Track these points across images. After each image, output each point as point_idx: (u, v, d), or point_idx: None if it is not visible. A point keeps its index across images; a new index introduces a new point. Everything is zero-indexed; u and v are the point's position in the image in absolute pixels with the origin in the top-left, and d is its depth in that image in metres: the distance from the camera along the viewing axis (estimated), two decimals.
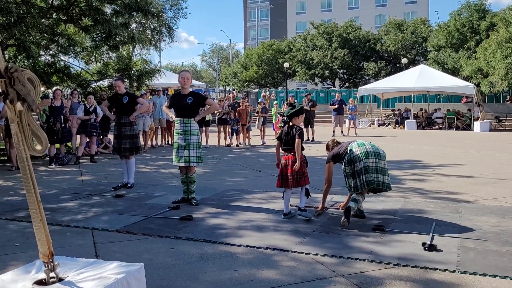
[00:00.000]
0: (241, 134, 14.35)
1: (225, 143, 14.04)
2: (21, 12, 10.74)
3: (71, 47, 13.39)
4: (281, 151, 5.16)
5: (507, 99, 30.27)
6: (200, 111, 6.28)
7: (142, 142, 10.74)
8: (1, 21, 10.07)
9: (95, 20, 11.88)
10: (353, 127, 18.47)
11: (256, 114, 15.68)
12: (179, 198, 5.91)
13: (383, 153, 4.98)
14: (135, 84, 13.96)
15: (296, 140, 4.92)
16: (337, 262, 3.68)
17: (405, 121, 23.10)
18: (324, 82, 44.79)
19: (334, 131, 17.53)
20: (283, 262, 3.70)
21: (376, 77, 37.95)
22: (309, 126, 14.98)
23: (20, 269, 2.54)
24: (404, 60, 31.17)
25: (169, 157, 9.73)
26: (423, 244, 3.98)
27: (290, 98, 14.80)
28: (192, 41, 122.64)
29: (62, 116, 10.26)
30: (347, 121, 18.48)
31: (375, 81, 30.98)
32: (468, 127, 21.87)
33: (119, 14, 12.39)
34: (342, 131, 17.85)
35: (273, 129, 16.31)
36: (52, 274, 2.36)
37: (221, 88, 57.79)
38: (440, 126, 22.88)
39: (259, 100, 16.79)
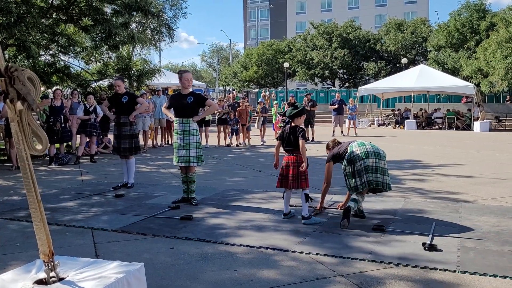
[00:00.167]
0: (241, 134, 14.35)
1: (225, 143, 14.04)
2: (21, 12, 10.74)
3: (71, 47, 13.38)
4: (281, 151, 5.14)
5: (507, 99, 30.28)
6: (200, 111, 6.27)
7: (142, 142, 10.75)
8: (1, 21, 10.06)
9: (95, 20, 11.88)
10: (353, 127, 18.48)
11: (256, 114, 15.68)
12: (179, 198, 5.91)
13: (383, 153, 4.98)
14: (135, 84, 13.96)
15: (300, 141, 4.90)
16: (337, 262, 3.68)
17: (405, 121, 23.10)
18: (324, 82, 44.79)
19: (334, 131, 17.53)
20: (283, 262, 3.70)
21: (376, 77, 37.96)
22: (309, 126, 14.98)
23: (20, 268, 2.54)
24: (404, 60, 31.17)
25: (169, 157, 9.73)
26: (423, 244, 3.98)
27: (291, 98, 14.80)
28: (192, 41, 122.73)
29: (62, 116, 10.26)
30: (347, 121, 18.48)
31: (375, 81, 30.99)
32: (468, 127, 21.88)
33: (119, 14, 12.39)
34: (342, 131, 17.85)
35: (273, 129, 16.31)
36: (52, 274, 2.36)
37: (221, 88, 57.78)
38: (440, 126, 22.88)
39: (259, 100, 16.78)
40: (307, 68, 40.87)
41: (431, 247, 3.92)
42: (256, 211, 5.42)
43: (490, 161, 10.14)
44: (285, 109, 14.63)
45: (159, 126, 13.82)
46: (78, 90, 13.29)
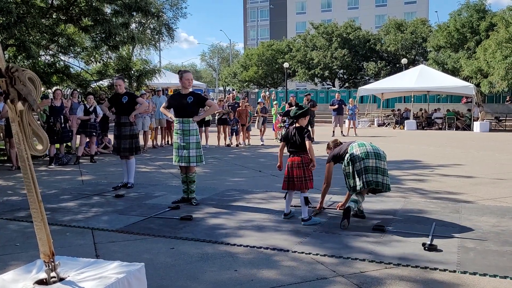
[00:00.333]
0: (240, 134, 14.35)
1: (225, 143, 14.04)
2: (21, 12, 10.74)
3: (71, 47, 13.38)
4: (285, 152, 5.12)
5: (507, 99, 30.28)
6: (200, 111, 6.26)
7: (142, 142, 10.75)
8: (1, 21, 10.07)
9: (95, 20, 11.89)
10: (352, 127, 18.48)
11: (255, 114, 15.69)
12: (179, 198, 5.91)
13: (383, 154, 4.99)
14: (135, 84, 13.96)
15: (307, 142, 4.90)
16: (337, 262, 3.68)
17: (405, 121, 23.11)
18: (324, 82, 44.79)
19: (334, 131, 17.54)
20: (283, 262, 3.70)
21: (376, 77, 37.97)
22: (309, 126, 14.97)
23: (21, 268, 2.54)
24: (404, 60, 31.17)
25: (169, 157, 9.72)
26: (423, 244, 3.98)
27: (292, 98, 14.77)
28: (192, 41, 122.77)
29: (62, 116, 10.26)
30: (346, 121, 18.49)
31: (375, 81, 31.00)
32: (468, 127, 21.88)
33: (119, 14, 12.39)
34: (342, 131, 17.85)
35: (273, 129, 16.32)
36: (53, 274, 2.36)
37: (221, 88, 57.78)
38: (440, 126, 22.89)
39: (259, 100, 16.78)
40: (307, 68, 40.88)
41: (431, 247, 3.92)
42: (256, 211, 5.42)
43: (490, 161, 10.14)
44: (285, 109, 14.66)
45: (159, 126, 13.82)
46: (78, 90, 13.29)
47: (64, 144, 10.93)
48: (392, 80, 25.28)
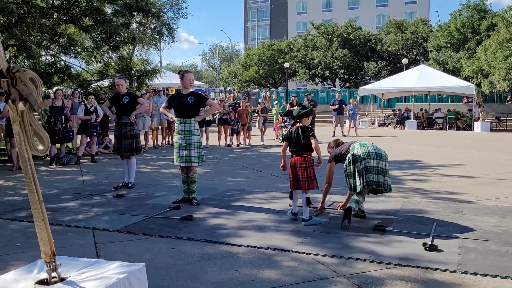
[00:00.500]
0: (241, 134, 14.35)
1: (226, 143, 14.04)
2: (22, 12, 10.75)
3: (72, 47, 13.39)
4: (288, 152, 5.12)
5: (508, 99, 30.26)
6: (200, 111, 6.26)
7: (143, 142, 10.75)
8: (2, 21, 10.08)
9: (95, 20, 11.89)
10: (353, 127, 18.48)
11: (256, 114, 15.69)
12: (180, 198, 5.92)
13: (384, 154, 4.99)
14: (136, 84, 13.97)
15: (313, 141, 4.91)
16: (338, 262, 3.68)
17: (406, 121, 23.10)
18: (324, 82, 44.78)
19: (334, 131, 17.53)
20: (284, 262, 3.70)
21: (377, 77, 37.96)
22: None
23: (22, 268, 2.55)
24: (405, 60, 31.17)
25: (170, 157, 9.73)
26: (424, 244, 3.98)
27: (293, 98, 14.75)
28: (193, 41, 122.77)
29: (63, 116, 10.26)
30: (347, 121, 18.48)
31: (375, 81, 30.99)
32: (469, 127, 21.87)
33: (119, 14, 12.40)
34: (342, 131, 17.85)
35: (274, 129, 16.32)
36: (54, 274, 2.36)
37: (222, 88, 57.79)
38: (441, 126, 22.88)
39: (259, 100, 16.78)
40: (307, 68, 40.87)
41: (432, 248, 3.92)
42: (257, 211, 5.42)
43: (490, 161, 10.14)
44: (286, 109, 14.66)
45: (159, 126, 13.82)
46: (79, 90, 13.30)
47: (65, 144, 10.93)
48: (392, 80, 25.27)
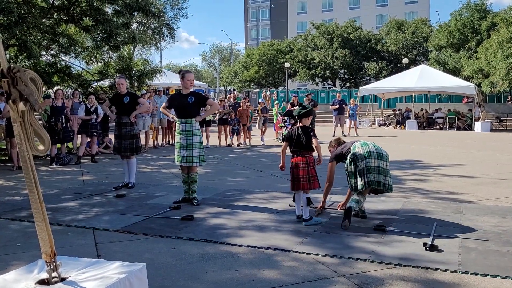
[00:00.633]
0: (241, 134, 14.35)
1: (226, 143, 14.04)
2: (22, 12, 10.75)
3: (72, 47, 13.39)
4: (288, 152, 5.11)
5: (508, 99, 30.24)
6: (201, 111, 6.26)
7: (143, 142, 10.75)
8: (2, 21, 10.08)
9: (96, 20, 11.89)
10: (353, 127, 18.48)
11: (256, 114, 15.69)
12: (180, 198, 5.92)
13: (385, 154, 4.98)
14: (136, 84, 13.97)
15: (314, 140, 4.91)
16: (338, 262, 3.68)
17: (406, 121, 23.10)
18: (325, 82, 44.77)
19: (335, 131, 17.53)
20: (284, 262, 3.71)
21: (377, 77, 37.94)
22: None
23: (22, 268, 2.55)
24: (405, 60, 31.16)
25: (170, 157, 9.73)
26: (424, 244, 3.98)
27: (294, 98, 14.75)
28: (193, 41, 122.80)
29: (63, 116, 10.27)
30: (347, 121, 18.48)
31: (376, 81, 30.97)
32: (469, 127, 21.86)
33: (120, 14, 12.40)
34: (342, 131, 17.84)
35: (274, 129, 16.32)
36: (54, 274, 2.36)
37: (222, 88, 57.79)
38: (441, 126, 22.87)
39: (260, 100, 16.78)
40: (308, 68, 40.86)
41: (432, 248, 3.92)
42: (257, 211, 5.42)
43: (491, 161, 10.13)
44: (286, 109, 14.65)
45: (159, 126, 13.82)
46: (79, 90, 13.30)
47: (65, 144, 10.94)
48: (393, 80, 25.27)
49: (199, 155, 5.79)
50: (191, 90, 5.97)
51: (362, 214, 5.06)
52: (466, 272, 3.42)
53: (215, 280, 3.34)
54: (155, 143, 13.89)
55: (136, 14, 13.73)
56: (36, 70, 12.09)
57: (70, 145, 12.22)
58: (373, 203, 5.65)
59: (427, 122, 23.57)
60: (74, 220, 5.09)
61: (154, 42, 35.17)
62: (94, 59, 14.43)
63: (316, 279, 3.34)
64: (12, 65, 2.25)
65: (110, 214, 5.36)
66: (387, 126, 24.74)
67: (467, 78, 25.45)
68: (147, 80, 13.99)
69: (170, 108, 6.13)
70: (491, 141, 15.38)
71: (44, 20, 11.84)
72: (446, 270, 3.47)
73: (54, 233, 2.58)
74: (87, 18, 12.20)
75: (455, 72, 28.19)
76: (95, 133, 10.54)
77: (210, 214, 5.31)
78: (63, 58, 13.93)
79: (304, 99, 15.65)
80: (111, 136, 10.54)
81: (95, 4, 11.93)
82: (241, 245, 4.12)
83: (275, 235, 4.44)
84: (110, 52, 13.83)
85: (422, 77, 23.02)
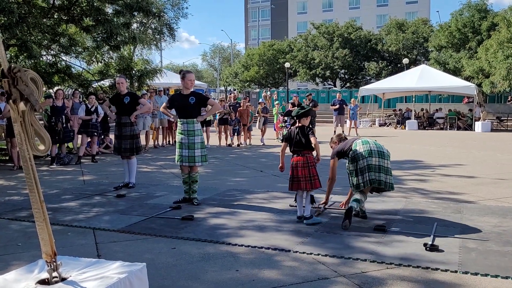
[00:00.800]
0: (242, 134, 14.36)
1: (226, 143, 14.05)
2: (23, 12, 10.76)
3: (73, 47, 13.40)
4: (287, 151, 5.11)
5: (509, 99, 30.25)
6: (202, 111, 6.26)
7: (144, 142, 10.75)
8: (3, 21, 10.09)
9: (96, 20, 11.90)
10: (354, 127, 18.47)
11: (257, 114, 15.69)
12: (181, 198, 5.92)
13: (387, 153, 4.98)
14: (136, 84, 13.97)
15: (312, 139, 4.90)
16: (338, 262, 3.68)
17: (406, 121, 23.10)
18: (325, 82, 44.78)
19: (335, 131, 17.50)
20: (284, 262, 3.71)
21: (377, 77, 37.95)
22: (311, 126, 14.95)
23: (23, 268, 2.55)
24: (405, 60, 31.15)
25: (170, 157, 9.73)
26: (425, 245, 3.98)
27: (295, 97, 14.74)
28: (193, 41, 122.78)
29: (63, 116, 10.27)
30: (348, 121, 18.48)
31: (376, 81, 30.98)
32: (470, 127, 21.85)
33: (120, 14, 12.40)
34: (343, 131, 17.82)
35: (274, 129, 16.32)
36: (55, 274, 2.36)
37: (222, 88, 57.79)
38: (442, 126, 22.87)
39: (260, 100, 16.78)
40: (308, 68, 40.87)
41: (433, 248, 3.92)
42: (257, 211, 5.42)
43: (491, 161, 10.13)
44: (286, 109, 14.65)
45: (160, 126, 13.83)
46: (80, 90, 13.30)
47: (66, 144, 10.94)
48: (393, 80, 25.27)
49: (201, 155, 5.79)
50: (192, 90, 5.98)
51: (362, 214, 5.05)
52: (466, 272, 3.42)
53: (216, 280, 3.34)
54: (156, 143, 13.89)
55: (136, 14, 13.73)
56: (36, 70, 12.10)
57: (70, 145, 12.23)
58: (373, 203, 5.65)
59: (428, 122, 23.56)
60: (75, 220, 5.09)
61: (155, 42, 35.19)
62: (94, 59, 14.42)
63: (316, 279, 3.34)
64: (12, 65, 2.25)
65: (111, 214, 5.36)
66: (388, 126, 24.74)
67: (467, 78, 25.46)
68: (147, 80, 14.00)
69: (171, 109, 6.13)
70: (492, 141, 15.38)
71: (44, 20, 11.84)
72: (446, 270, 3.47)
73: (54, 233, 2.58)
74: (87, 18, 12.21)
75: (455, 72, 28.20)
76: (95, 133, 10.54)
77: (211, 214, 5.31)
78: (64, 58, 13.95)
79: (304, 99, 15.67)
80: (112, 136, 10.55)
81: (95, 4, 11.94)
82: (242, 245, 4.12)
83: (275, 235, 4.44)
84: (111, 52, 13.83)
85: (423, 77, 23.02)
